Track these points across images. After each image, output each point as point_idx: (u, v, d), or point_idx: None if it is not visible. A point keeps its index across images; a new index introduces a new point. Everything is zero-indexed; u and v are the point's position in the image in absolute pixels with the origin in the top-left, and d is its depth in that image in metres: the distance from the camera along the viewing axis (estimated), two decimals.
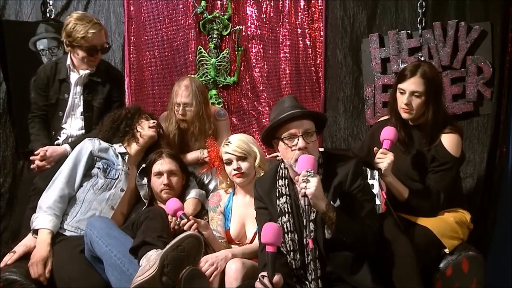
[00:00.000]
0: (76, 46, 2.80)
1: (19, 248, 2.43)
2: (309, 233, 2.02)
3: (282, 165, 2.25)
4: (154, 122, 2.75)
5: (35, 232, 2.44)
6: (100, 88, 2.94)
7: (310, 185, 1.94)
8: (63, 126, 2.96)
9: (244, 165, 2.52)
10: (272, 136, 2.17)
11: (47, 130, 2.98)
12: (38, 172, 2.76)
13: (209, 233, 2.47)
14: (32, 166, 2.79)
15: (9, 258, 2.38)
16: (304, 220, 1.97)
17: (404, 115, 2.49)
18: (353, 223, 2.04)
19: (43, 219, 2.44)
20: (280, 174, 2.24)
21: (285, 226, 2.14)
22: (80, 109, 2.93)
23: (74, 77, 2.91)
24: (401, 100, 2.47)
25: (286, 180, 2.21)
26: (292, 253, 2.14)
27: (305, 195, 1.94)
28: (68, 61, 2.90)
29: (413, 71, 2.44)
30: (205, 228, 2.43)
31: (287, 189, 2.19)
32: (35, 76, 3.07)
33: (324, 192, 2.03)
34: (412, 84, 2.43)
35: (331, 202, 2.06)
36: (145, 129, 2.75)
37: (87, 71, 2.89)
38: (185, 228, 2.32)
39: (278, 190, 2.20)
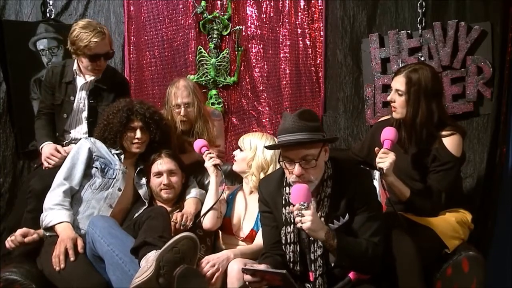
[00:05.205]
0: (80, 54, 2.81)
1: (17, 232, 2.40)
2: (310, 264, 2.02)
3: None
4: (138, 139, 2.67)
5: (49, 230, 2.42)
6: (106, 95, 2.92)
7: (305, 219, 1.91)
8: (68, 129, 2.95)
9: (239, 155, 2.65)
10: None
11: (52, 127, 2.96)
12: (52, 167, 2.74)
13: (219, 174, 2.59)
14: (45, 164, 2.77)
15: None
16: (306, 251, 2.02)
17: (393, 114, 2.52)
18: (356, 246, 2.01)
19: (54, 215, 2.41)
20: (287, 181, 2.16)
21: (288, 237, 2.13)
22: (85, 114, 2.93)
23: (80, 81, 2.91)
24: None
25: None
26: (291, 264, 2.13)
27: (302, 229, 1.94)
28: (75, 66, 2.90)
29: (400, 70, 2.49)
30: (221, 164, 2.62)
31: None
32: (44, 75, 3.07)
33: (333, 209, 2.05)
34: (395, 82, 2.48)
35: (341, 218, 2.06)
36: (130, 145, 2.68)
37: (93, 77, 2.89)
38: (206, 158, 2.58)
39: (285, 198, 2.16)
